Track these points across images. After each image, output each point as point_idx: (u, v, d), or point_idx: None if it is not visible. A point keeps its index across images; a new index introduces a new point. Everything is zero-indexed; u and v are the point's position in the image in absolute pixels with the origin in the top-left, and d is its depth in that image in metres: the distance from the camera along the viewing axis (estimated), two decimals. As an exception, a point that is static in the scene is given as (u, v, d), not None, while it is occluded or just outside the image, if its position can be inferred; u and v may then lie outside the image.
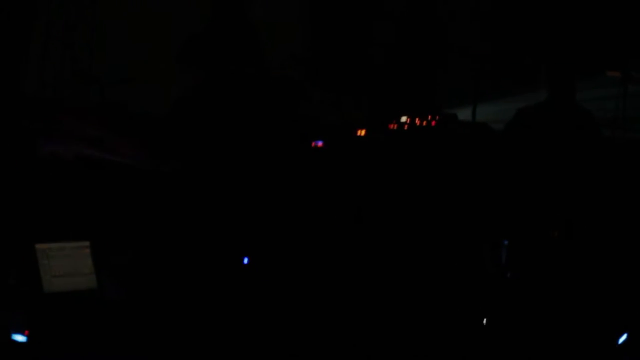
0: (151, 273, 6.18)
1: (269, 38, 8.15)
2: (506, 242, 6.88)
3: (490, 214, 6.85)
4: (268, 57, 8.05)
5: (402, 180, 6.91)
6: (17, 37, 8.13)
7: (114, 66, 8.57)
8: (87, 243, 5.82)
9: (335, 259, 6.63)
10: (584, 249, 6.69)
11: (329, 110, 8.46)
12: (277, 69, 8.25)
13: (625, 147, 7.65)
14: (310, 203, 6.85)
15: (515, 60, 9.53)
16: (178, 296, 6.08)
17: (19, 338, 5.34)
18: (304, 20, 9.65)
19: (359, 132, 7.30)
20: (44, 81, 8.65)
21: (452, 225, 6.80)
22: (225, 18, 7.92)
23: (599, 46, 9.19)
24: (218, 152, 7.10)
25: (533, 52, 9.46)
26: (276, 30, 8.61)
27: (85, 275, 5.78)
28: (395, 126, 7.29)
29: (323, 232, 6.75)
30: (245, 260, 6.61)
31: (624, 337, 6.31)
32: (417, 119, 7.26)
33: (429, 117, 7.25)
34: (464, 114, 7.92)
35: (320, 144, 7.19)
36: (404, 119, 7.29)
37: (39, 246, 5.64)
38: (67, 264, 5.72)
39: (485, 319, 6.44)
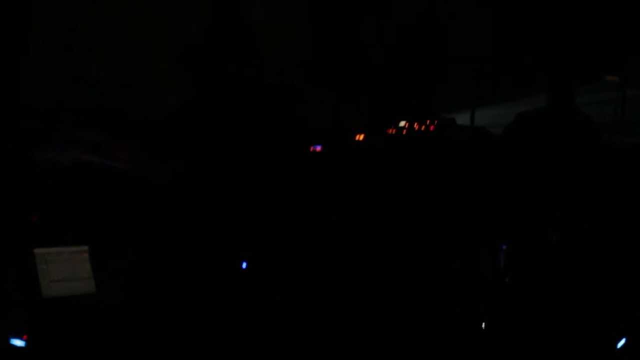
0: (150, 278, 6.18)
1: (267, 42, 8.15)
2: (505, 247, 6.88)
3: (489, 218, 6.85)
4: (267, 61, 8.04)
5: (401, 185, 6.91)
6: (16, 40, 8.12)
7: (113, 70, 8.57)
8: (85, 247, 5.83)
9: (335, 264, 6.63)
10: (583, 254, 6.69)
11: (327, 115, 8.47)
12: (276, 73, 8.25)
13: (624, 151, 7.65)
14: (309, 208, 6.84)
15: (514, 65, 9.52)
16: (177, 301, 6.08)
17: (18, 343, 5.35)
18: (303, 24, 9.64)
19: (357, 137, 7.30)
20: (44, 85, 8.64)
21: (450, 229, 6.80)
22: (224, 21, 7.92)
23: (597, 50, 9.18)
24: (217, 157, 7.09)
25: (532, 57, 9.45)
26: (275, 34, 8.61)
27: (83, 280, 5.78)
28: (394, 131, 7.29)
29: (322, 237, 6.75)
30: (244, 265, 6.61)
31: (622, 342, 6.31)
32: (415, 124, 7.26)
33: (428, 121, 7.25)
34: (462, 119, 7.91)
35: (318, 148, 7.19)
36: (402, 123, 7.29)
37: (37, 251, 5.64)
38: (66, 269, 5.72)
39: (484, 324, 6.44)
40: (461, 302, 6.49)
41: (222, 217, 6.70)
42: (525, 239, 6.84)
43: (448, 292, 6.53)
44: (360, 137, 7.29)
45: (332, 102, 8.66)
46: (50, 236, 5.82)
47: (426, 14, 8.54)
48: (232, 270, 6.55)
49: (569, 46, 9.32)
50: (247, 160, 7.04)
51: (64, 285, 5.68)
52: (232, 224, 6.69)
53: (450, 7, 9.15)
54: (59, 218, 6.01)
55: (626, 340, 6.31)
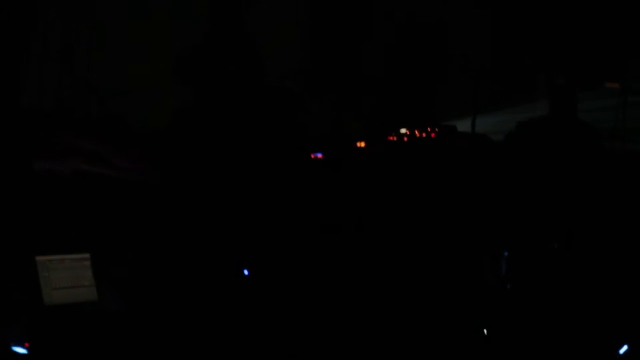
0: (151, 285, 6.17)
1: (267, 49, 8.16)
2: (506, 254, 6.87)
3: (491, 225, 6.85)
4: (266, 68, 8.05)
5: (401, 192, 6.91)
6: (16, 41, 8.11)
7: (112, 77, 8.56)
8: (87, 255, 5.82)
9: (336, 270, 6.63)
10: (585, 261, 6.69)
11: (328, 122, 8.47)
12: (276, 81, 8.25)
13: (625, 158, 7.65)
14: (310, 215, 6.84)
15: (514, 72, 9.53)
16: (178, 308, 6.07)
17: (20, 350, 5.33)
18: (302, 32, 9.65)
19: (358, 144, 7.31)
20: (44, 87, 8.62)
21: (452, 236, 6.80)
22: (223, 30, 7.93)
23: (598, 57, 9.19)
24: (218, 165, 7.10)
25: (533, 64, 9.46)
26: (275, 41, 8.61)
27: (85, 288, 5.77)
28: (395, 138, 7.30)
29: (323, 243, 6.75)
30: (246, 272, 6.60)
31: (624, 349, 6.30)
32: (416, 131, 7.26)
33: (429, 128, 7.26)
34: (463, 125, 7.92)
35: (319, 155, 7.20)
36: (403, 130, 7.30)
37: (39, 258, 5.64)
38: (68, 276, 5.71)
39: (485, 330, 6.44)
40: (463, 309, 6.49)
41: (224, 224, 6.70)
42: (527, 246, 6.84)
43: (450, 298, 6.53)
44: (361, 144, 7.30)
45: (332, 109, 8.66)
46: (52, 244, 5.81)
47: (426, 21, 8.55)
48: (233, 278, 6.54)
49: (569, 53, 9.33)
50: (249, 168, 7.05)
51: (65, 293, 5.67)
52: (233, 231, 6.69)
53: (450, 16, 9.16)
54: (60, 225, 6.00)
55: (628, 347, 6.30)
